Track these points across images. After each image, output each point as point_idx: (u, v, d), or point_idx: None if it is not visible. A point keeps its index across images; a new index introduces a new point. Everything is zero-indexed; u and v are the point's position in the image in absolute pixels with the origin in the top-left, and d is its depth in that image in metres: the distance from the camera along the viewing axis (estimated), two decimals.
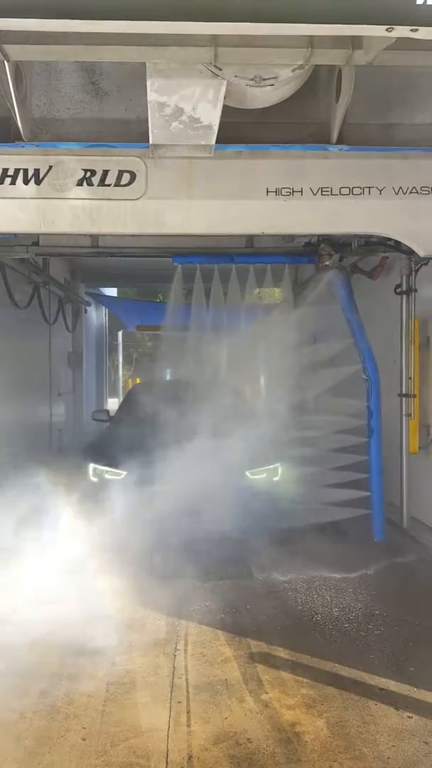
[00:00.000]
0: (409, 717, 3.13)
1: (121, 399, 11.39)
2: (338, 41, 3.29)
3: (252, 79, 3.47)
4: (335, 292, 6.06)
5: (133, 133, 4.21)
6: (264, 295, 11.19)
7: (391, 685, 3.43)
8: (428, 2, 2.69)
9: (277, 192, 4.65)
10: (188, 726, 3.05)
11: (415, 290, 5.94)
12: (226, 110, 3.80)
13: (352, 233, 5.49)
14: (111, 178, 4.55)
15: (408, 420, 6.03)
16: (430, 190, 4.66)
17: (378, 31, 2.84)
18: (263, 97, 3.80)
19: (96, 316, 15.45)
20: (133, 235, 5.34)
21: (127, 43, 3.24)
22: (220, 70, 3.40)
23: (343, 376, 6.25)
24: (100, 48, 3.32)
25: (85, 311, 13.65)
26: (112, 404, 15.62)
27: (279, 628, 4.14)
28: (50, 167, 4.52)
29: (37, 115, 4.25)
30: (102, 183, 4.56)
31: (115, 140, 4.26)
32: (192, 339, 7.98)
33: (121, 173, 4.56)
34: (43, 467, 5.92)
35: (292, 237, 6.02)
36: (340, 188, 4.64)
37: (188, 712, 3.17)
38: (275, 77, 3.48)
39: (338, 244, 5.96)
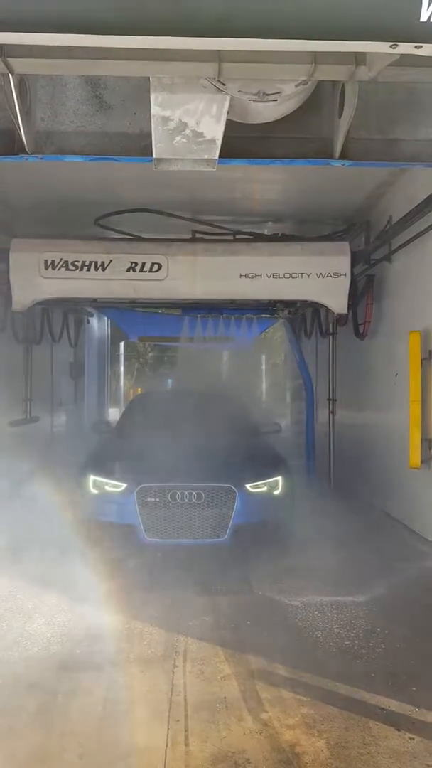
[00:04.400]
0: (410, 738, 3.08)
1: (122, 409, 11.38)
2: (342, 57, 3.28)
3: (255, 95, 3.47)
4: (286, 335, 9.82)
5: (136, 147, 4.21)
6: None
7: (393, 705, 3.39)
8: None
9: (246, 276, 7.44)
10: (186, 745, 3.00)
11: (336, 333, 9.08)
12: (230, 125, 3.80)
13: (293, 299, 8.78)
14: (146, 267, 7.37)
15: (333, 417, 9.08)
16: (339, 275, 7.43)
17: (382, 47, 2.83)
18: (266, 112, 3.80)
19: (98, 327, 15.47)
20: (159, 299, 8.69)
21: (131, 58, 3.24)
22: (224, 85, 3.40)
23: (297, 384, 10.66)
24: (104, 62, 3.31)
25: (88, 322, 13.67)
26: (114, 414, 15.59)
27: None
28: (110, 260, 7.32)
29: (41, 128, 4.25)
30: (141, 270, 7.37)
31: (118, 154, 4.26)
32: (191, 351, 10.26)
33: (153, 264, 7.36)
34: (42, 478, 5.91)
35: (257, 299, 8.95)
36: (284, 273, 7.46)
37: (186, 730, 3.12)
38: (278, 92, 3.48)
39: (288, 302, 9.38)
